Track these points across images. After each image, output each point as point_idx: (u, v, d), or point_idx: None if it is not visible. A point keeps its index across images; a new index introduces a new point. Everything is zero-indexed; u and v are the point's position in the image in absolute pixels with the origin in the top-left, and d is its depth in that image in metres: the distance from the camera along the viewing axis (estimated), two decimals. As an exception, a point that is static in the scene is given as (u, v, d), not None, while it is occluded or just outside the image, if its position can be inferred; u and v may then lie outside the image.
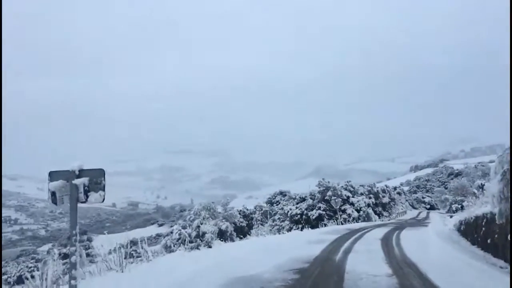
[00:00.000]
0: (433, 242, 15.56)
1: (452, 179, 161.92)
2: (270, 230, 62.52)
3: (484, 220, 13.34)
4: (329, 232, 19.52)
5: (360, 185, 52.87)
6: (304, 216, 48.53)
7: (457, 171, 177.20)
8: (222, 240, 29.24)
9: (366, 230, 21.17)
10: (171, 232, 48.49)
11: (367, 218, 43.99)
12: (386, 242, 14.98)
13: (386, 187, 59.63)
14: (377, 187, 52.80)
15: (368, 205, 47.46)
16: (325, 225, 39.59)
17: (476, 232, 15.09)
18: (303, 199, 55.45)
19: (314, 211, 47.46)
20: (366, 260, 10.08)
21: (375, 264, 9.39)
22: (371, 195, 50.53)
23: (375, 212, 47.86)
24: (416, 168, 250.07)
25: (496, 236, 11.47)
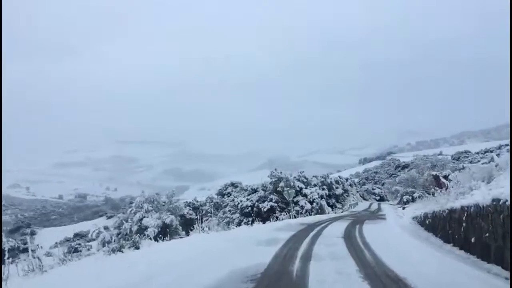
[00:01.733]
0: (404, 240, 13.39)
1: (399, 171, 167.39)
2: (218, 223, 59.83)
3: (465, 214, 11.28)
4: (282, 228, 17.01)
5: (313, 176, 51.23)
6: (255, 209, 46.09)
7: (403, 164, 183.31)
8: (163, 237, 25.59)
9: (322, 225, 18.89)
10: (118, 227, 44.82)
11: (321, 210, 42.28)
12: (350, 241, 12.58)
13: (340, 178, 58.49)
14: (331, 178, 51.40)
15: (322, 197, 45.81)
16: (277, 218, 37.17)
17: (450, 228, 13.11)
18: (254, 191, 53.03)
19: (266, 203, 45.13)
20: (334, 273, 7.37)
21: (348, 281, 6.73)
22: (325, 186, 49.01)
23: (328, 204, 46.35)
24: (365, 160, 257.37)
25: (487, 235, 9.30)
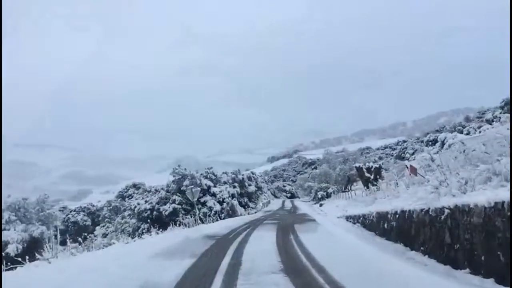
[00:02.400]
0: (367, 255, 8.07)
1: (306, 168, 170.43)
2: (115, 230, 51.27)
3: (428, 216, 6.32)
4: (172, 252, 10.49)
5: (223, 173, 45.48)
6: (155, 212, 38.87)
7: (310, 161, 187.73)
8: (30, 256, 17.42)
9: (239, 238, 12.50)
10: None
11: (232, 211, 36.58)
12: (306, 282, 6.61)
13: (253, 174, 53.42)
14: (243, 174, 46.02)
15: (233, 196, 40.17)
16: (180, 224, 30.45)
17: (407, 232, 8.26)
18: (158, 192, 45.77)
19: (168, 205, 38.22)
20: None
21: None
22: (236, 184, 43.47)
23: (240, 204, 40.86)
24: (273, 159, 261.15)
25: (472, 240, 4.29)
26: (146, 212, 39.04)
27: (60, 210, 74.61)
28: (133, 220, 40.72)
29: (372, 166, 32.45)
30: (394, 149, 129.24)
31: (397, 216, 10.31)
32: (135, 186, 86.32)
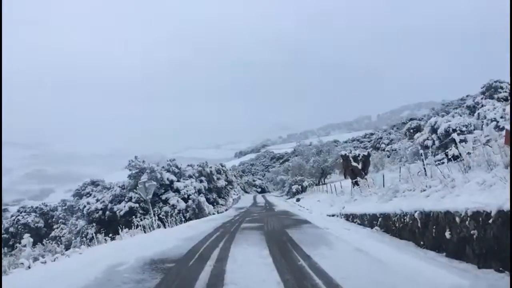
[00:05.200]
0: None
1: (274, 162, 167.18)
2: (70, 232, 45.36)
3: None
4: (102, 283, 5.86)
5: (188, 165, 40.20)
6: (108, 212, 33.25)
7: (278, 155, 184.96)
8: None
9: (206, 267, 6.83)
10: None
11: (199, 210, 31.51)
12: None
13: (222, 166, 48.19)
14: (211, 167, 40.84)
15: (199, 192, 35.05)
16: (138, 226, 24.99)
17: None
18: (111, 189, 40.10)
19: (123, 204, 32.70)
20: None
21: None
22: (203, 178, 38.29)
23: (208, 200, 35.77)
24: (240, 154, 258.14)
25: None
26: (97, 213, 33.34)
27: (18, 211, 67.76)
28: (82, 222, 34.93)
29: (359, 154, 28.25)
30: (361, 142, 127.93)
31: (480, 221, 5.75)
32: (94, 183, 79.10)
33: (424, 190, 9.50)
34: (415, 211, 8.56)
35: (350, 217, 15.36)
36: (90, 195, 66.37)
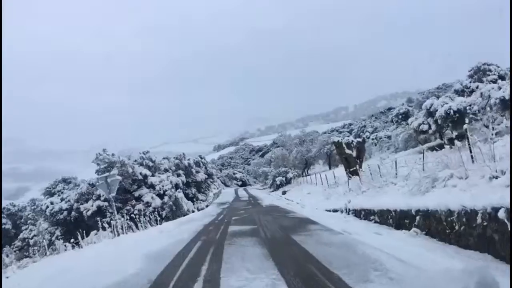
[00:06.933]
0: None
1: (253, 155, 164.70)
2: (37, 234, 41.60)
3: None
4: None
5: (164, 158, 36.76)
6: (74, 213, 29.65)
7: (257, 147, 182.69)
8: None
9: None
10: None
11: (176, 206, 28.29)
12: None
13: (201, 158, 44.71)
14: (189, 159, 37.39)
15: (177, 187, 31.74)
16: (105, 228, 21.57)
17: None
18: (92, 185, 36.48)
19: (91, 203, 29.18)
20: None
21: None
22: (181, 171, 34.95)
23: (187, 196, 32.52)
24: (219, 147, 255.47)
25: None
26: (61, 213, 29.70)
27: (-7, 211, 62.46)
28: (45, 225, 31.24)
29: (353, 141, 25.61)
30: (340, 132, 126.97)
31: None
32: (65, 180, 74.23)
33: (496, 178, 6.68)
34: (492, 207, 5.74)
35: (361, 214, 12.56)
36: (63, 193, 62.20)
